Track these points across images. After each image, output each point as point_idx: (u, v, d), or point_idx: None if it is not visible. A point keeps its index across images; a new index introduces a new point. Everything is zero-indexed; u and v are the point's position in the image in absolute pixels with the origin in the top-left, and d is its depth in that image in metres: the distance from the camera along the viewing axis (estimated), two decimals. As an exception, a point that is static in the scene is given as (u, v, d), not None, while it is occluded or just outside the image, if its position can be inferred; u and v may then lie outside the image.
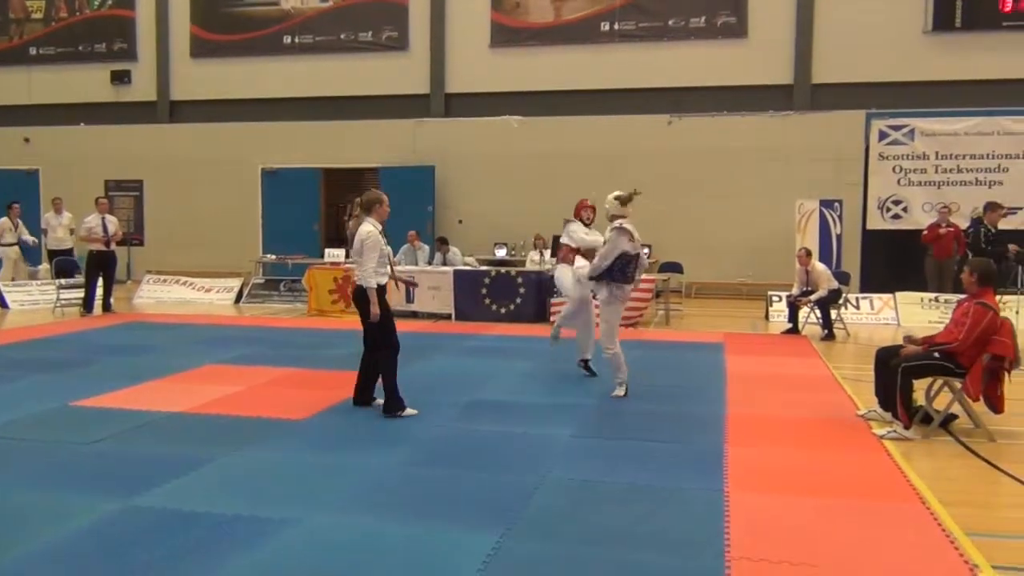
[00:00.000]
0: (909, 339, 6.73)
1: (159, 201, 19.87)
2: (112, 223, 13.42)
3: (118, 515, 4.48)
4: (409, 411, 6.69)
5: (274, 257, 16.81)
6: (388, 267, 6.89)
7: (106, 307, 13.44)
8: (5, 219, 14.65)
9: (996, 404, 6.28)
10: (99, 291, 13.40)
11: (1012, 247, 11.67)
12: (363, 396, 6.98)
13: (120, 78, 20.23)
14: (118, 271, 14.12)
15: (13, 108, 20.63)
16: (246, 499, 4.76)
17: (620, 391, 7.50)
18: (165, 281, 16.27)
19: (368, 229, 6.65)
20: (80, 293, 13.63)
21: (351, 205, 18.81)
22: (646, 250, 16.47)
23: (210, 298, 15.58)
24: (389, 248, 7.07)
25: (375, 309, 6.59)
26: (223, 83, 19.64)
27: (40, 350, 9.94)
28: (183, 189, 19.48)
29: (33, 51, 20.76)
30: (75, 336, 11.10)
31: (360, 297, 6.70)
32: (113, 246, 13.39)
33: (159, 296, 15.79)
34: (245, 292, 15.56)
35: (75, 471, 5.29)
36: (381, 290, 6.70)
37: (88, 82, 20.32)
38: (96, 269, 13.21)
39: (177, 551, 4.02)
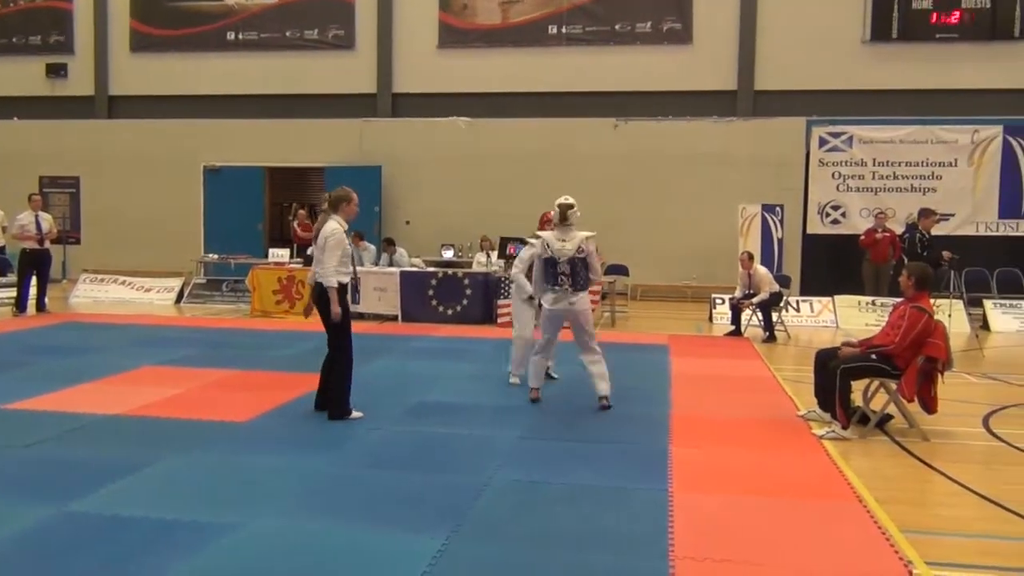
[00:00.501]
0: (847, 344, 6.89)
1: (97, 199, 19.36)
2: (46, 220, 13.03)
3: (53, 521, 4.36)
4: (356, 414, 6.58)
5: (216, 257, 16.51)
6: (351, 267, 6.68)
7: (40, 307, 13.05)
8: None
9: (930, 405, 6.46)
10: (33, 291, 13.01)
11: (946, 254, 12.01)
12: (325, 399, 6.75)
13: (56, 71, 19.68)
14: (53, 270, 13.72)
15: (-57, 101, 19.95)
16: (187, 504, 4.66)
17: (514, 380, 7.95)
18: (103, 280, 15.87)
19: (333, 227, 6.46)
20: (12, 292, 13.22)
21: (295, 205, 18.64)
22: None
23: (150, 298, 15.25)
24: (352, 248, 6.91)
25: (335, 308, 6.43)
26: (164, 78, 19.23)
27: (-30, 351, 9.62)
28: (122, 186, 19.01)
29: (-36, 42, 20.09)
30: (8, 337, 10.76)
31: (321, 296, 6.51)
32: (47, 244, 13.00)
33: (96, 296, 15.40)
34: (186, 292, 15.26)
35: (8, 476, 5.12)
36: (343, 289, 6.52)
37: (22, 75, 19.73)
38: (29, 268, 12.83)
39: (115, 558, 3.92)
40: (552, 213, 7.31)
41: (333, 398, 6.58)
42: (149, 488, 4.94)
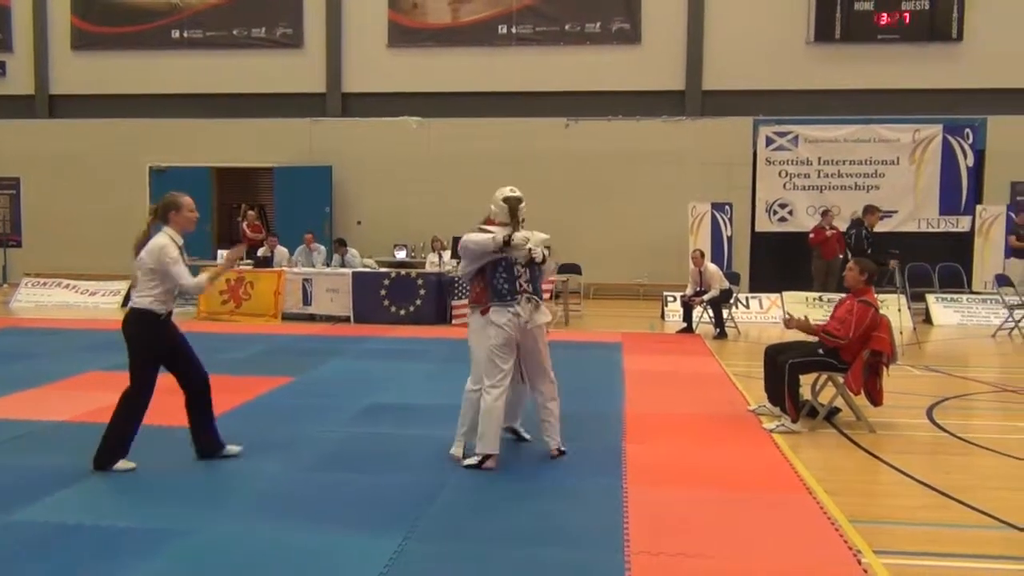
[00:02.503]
0: (790, 320, 6.88)
1: (38, 200, 18.87)
2: None
3: (-5, 531, 4.24)
4: (124, 465, 5.28)
5: (163, 259, 16.16)
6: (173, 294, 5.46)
7: None
8: None
9: (876, 397, 6.61)
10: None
11: (893, 263, 12.16)
12: (206, 442, 5.56)
13: (-6, 70, 19.15)
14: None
15: None
16: (136, 510, 4.57)
17: (456, 450, 5.57)
18: (45, 284, 15.50)
19: (162, 242, 5.31)
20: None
21: (244, 206, 18.36)
22: (545, 251, 16.81)
23: (95, 302, 14.92)
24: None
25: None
26: (107, 77, 18.81)
27: (-95, 358, 9.31)
28: (65, 188, 18.56)
29: None
30: (-56, 343, 10.44)
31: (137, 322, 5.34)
32: None
33: (39, 300, 15.02)
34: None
35: (-54, 486, 4.97)
36: (159, 320, 5.36)
37: (-42, 73, 19.16)
38: None
39: (60, 567, 3.83)
40: (491, 209, 5.62)
41: (106, 443, 5.27)
42: (96, 495, 4.83)
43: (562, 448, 5.64)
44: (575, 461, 5.58)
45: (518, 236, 5.45)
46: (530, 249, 5.49)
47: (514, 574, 3.86)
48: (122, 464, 5.29)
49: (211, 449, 5.55)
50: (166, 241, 5.31)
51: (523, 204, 5.58)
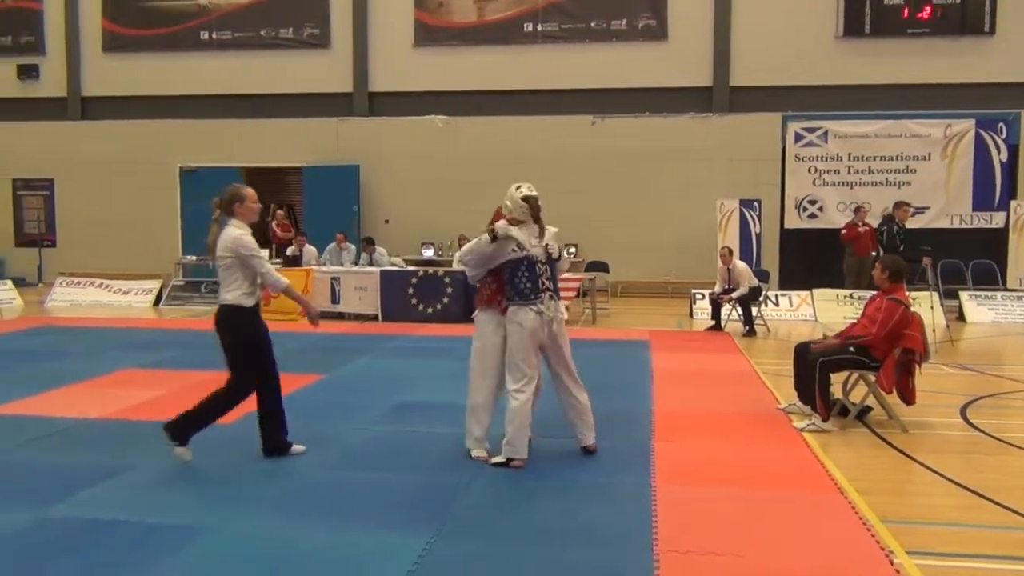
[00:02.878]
0: (818, 344, 6.87)
1: (72, 201, 19.14)
2: None
3: (29, 527, 4.30)
4: (181, 451, 5.40)
5: (195, 258, 16.37)
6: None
7: None
8: None
9: (908, 396, 6.52)
10: None
11: (926, 259, 12.00)
12: (276, 441, 5.63)
13: (28, 72, 19.43)
14: (29, 274, 13.43)
15: (-89, 103, 19.64)
16: (167, 507, 4.63)
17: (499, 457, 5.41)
18: (79, 283, 15.71)
19: (236, 233, 5.38)
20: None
21: (273, 205, 18.51)
22: (572, 250, 16.84)
23: (127, 300, 15.11)
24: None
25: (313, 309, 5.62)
26: (138, 79, 19.03)
27: (-57, 357, 9.49)
28: (98, 188, 18.81)
29: (-68, 44, 19.79)
30: (-19, 342, 10.63)
31: (228, 318, 5.41)
32: None
33: (73, 299, 15.23)
34: (165, 294, 15.13)
35: (-17, 482, 5.06)
36: (251, 313, 5.47)
37: (-7, 77, 19.48)
38: None
39: (93, 563, 3.88)
40: (506, 206, 5.55)
41: (188, 420, 5.43)
42: (127, 492, 4.89)
43: (594, 445, 5.62)
44: (603, 459, 5.56)
45: (500, 225, 5.41)
46: (547, 245, 5.46)
47: (542, 573, 3.85)
48: (181, 451, 5.36)
49: (281, 448, 5.56)
50: (240, 231, 5.36)
51: (537, 199, 5.54)
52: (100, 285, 15.60)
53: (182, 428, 5.38)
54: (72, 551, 4.01)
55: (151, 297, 15.12)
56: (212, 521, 4.38)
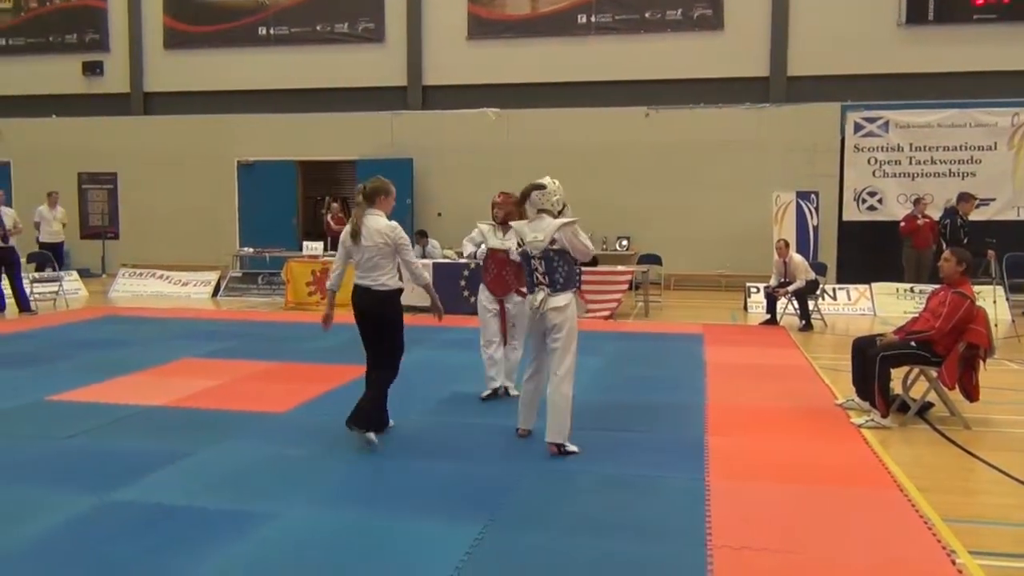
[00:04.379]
0: (882, 339, 6.72)
1: (134, 194, 19.63)
2: (8, 216, 12.49)
3: (95, 510, 4.44)
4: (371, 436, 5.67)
5: (251, 250, 16.69)
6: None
7: (21, 307, 12.34)
8: None
9: (971, 392, 6.35)
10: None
11: (990, 253, 11.72)
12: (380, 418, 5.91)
13: (92, 69, 19.95)
14: (93, 264, 13.78)
15: (-18, 100, 20.33)
16: (226, 493, 4.73)
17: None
18: (141, 275, 16.10)
19: (391, 223, 5.73)
20: (55, 288, 13.47)
21: (328, 198, 18.76)
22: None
23: (187, 292, 15.45)
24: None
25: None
26: (197, 75, 19.42)
27: (15, 344, 9.82)
28: (158, 182, 19.26)
29: (2, 42, 20.40)
30: (50, 330, 10.96)
31: (384, 301, 5.71)
32: (12, 241, 12.46)
33: (135, 290, 15.63)
34: (222, 285, 15.44)
35: (51, 466, 5.22)
36: (399, 295, 5.83)
37: (59, 73, 20.02)
38: None
39: (156, 546, 3.98)
40: (500, 197, 6.61)
41: (368, 409, 5.69)
42: (189, 478, 5.01)
43: (558, 444, 5.44)
44: (656, 453, 5.53)
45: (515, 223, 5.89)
46: (551, 239, 5.52)
47: (594, 565, 3.85)
48: (370, 437, 5.60)
49: (381, 424, 5.85)
50: (393, 222, 5.70)
51: (539, 191, 5.65)
52: (160, 276, 15.96)
53: (366, 417, 5.62)
54: (136, 535, 4.12)
55: (209, 288, 15.42)
56: (271, 507, 4.46)
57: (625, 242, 16.77)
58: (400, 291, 5.79)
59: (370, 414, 5.66)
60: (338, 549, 3.99)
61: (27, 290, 12.76)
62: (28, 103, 20.03)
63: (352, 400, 6.47)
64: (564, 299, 5.56)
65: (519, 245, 5.72)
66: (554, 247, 5.53)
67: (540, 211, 5.63)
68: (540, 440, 5.70)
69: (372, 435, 5.61)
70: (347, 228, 5.75)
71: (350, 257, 5.77)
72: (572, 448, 5.47)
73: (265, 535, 4.14)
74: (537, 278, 5.61)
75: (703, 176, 16.79)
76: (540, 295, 5.56)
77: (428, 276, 6.05)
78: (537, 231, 5.58)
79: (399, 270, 5.79)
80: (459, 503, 4.58)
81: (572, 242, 5.54)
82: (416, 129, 18.05)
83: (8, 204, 13.27)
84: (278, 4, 19.03)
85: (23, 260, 13.19)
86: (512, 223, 5.86)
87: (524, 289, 6.41)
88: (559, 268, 5.58)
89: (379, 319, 5.73)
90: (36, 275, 13.66)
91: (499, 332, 7.09)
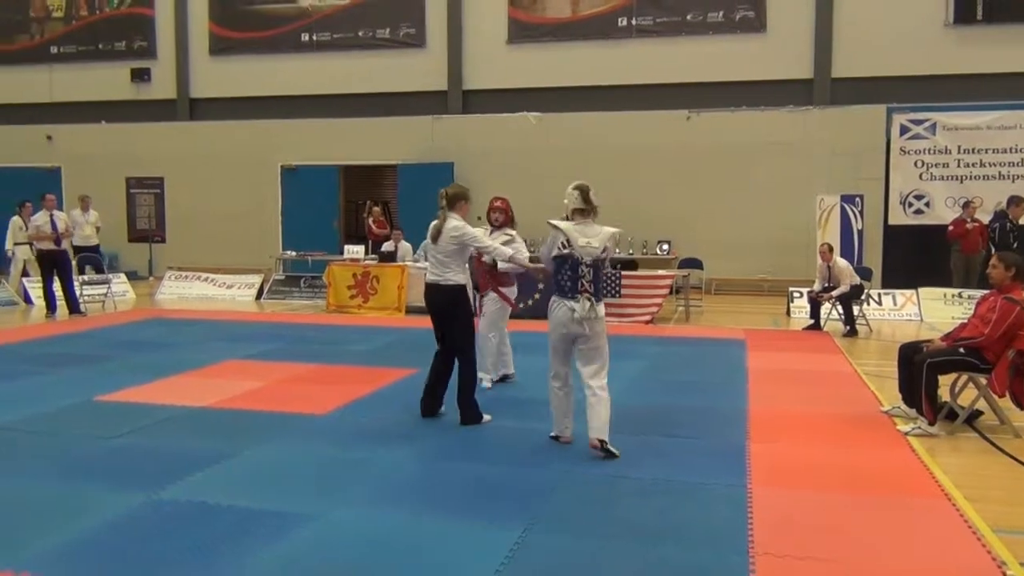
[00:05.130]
0: (930, 344, 6.61)
1: (180, 198, 19.99)
2: (61, 220, 12.85)
3: (142, 508, 4.52)
4: (486, 418, 6.39)
5: (294, 254, 16.89)
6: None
7: (71, 309, 12.69)
8: (17, 218, 14.54)
9: (1022, 400, 6.21)
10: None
11: None
12: (434, 404, 6.54)
13: (140, 76, 20.37)
14: (140, 267, 14.01)
15: (35, 106, 20.83)
16: (269, 493, 4.78)
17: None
18: (187, 277, 16.38)
19: (460, 223, 6.29)
20: (103, 290, 13.75)
21: (370, 202, 18.91)
22: (665, 246, 16.64)
23: (231, 294, 15.68)
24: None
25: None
26: (242, 80, 19.73)
27: (64, 345, 10.04)
28: (204, 186, 19.59)
29: (54, 50, 20.93)
30: (98, 332, 11.20)
31: (454, 296, 6.24)
32: (64, 244, 12.82)
33: (181, 292, 15.90)
34: (266, 288, 15.64)
35: (101, 465, 5.33)
36: (465, 290, 6.37)
37: (108, 80, 20.48)
38: (48, 268, 12.67)
39: (201, 544, 4.05)
40: (500, 203, 7.25)
41: (466, 403, 6.34)
42: (233, 478, 5.08)
43: (602, 440, 5.47)
44: (697, 459, 5.48)
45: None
46: (604, 247, 5.59)
47: (634, 571, 3.83)
48: (486, 418, 6.34)
49: (436, 409, 6.48)
50: (461, 223, 6.28)
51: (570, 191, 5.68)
52: (206, 279, 16.22)
53: (469, 411, 6.29)
54: (182, 533, 4.19)
55: (253, 291, 15.64)
56: (313, 508, 4.51)
57: (666, 246, 16.67)
58: (464, 287, 6.28)
59: (469, 409, 6.31)
60: (378, 550, 4.02)
61: (77, 292, 13.07)
62: (78, 109, 20.52)
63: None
64: (603, 309, 5.63)
65: (562, 248, 5.52)
66: (603, 255, 5.55)
67: (577, 210, 5.58)
68: (581, 444, 5.69)
69: (486, 416, 6.35)
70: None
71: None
72: (614, 450, 5.46)
73: (306, 535, 4.18)
74: (583, 285, 5.49)
75: (745, 179, 16.63)
76: (587, 304, 5.48)
77: (506, 251, 6.56)
78: (590, 236, 5.52)
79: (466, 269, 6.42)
80: (500, 506, 4.59)
81: (610, 252, 5.64)
82: (457, 133, 18.13)
83: (59, 208, 13.57)
84: (321, 11, 19.26)
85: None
86: (559, 223, 5.59)
87: (504, 290, 7.30)
88: (602, 278, 5.66)
89: (440, 312, 6.32)
90: (86, 278, 13.93)
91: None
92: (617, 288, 12.56)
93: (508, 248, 6.71)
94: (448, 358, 6.39)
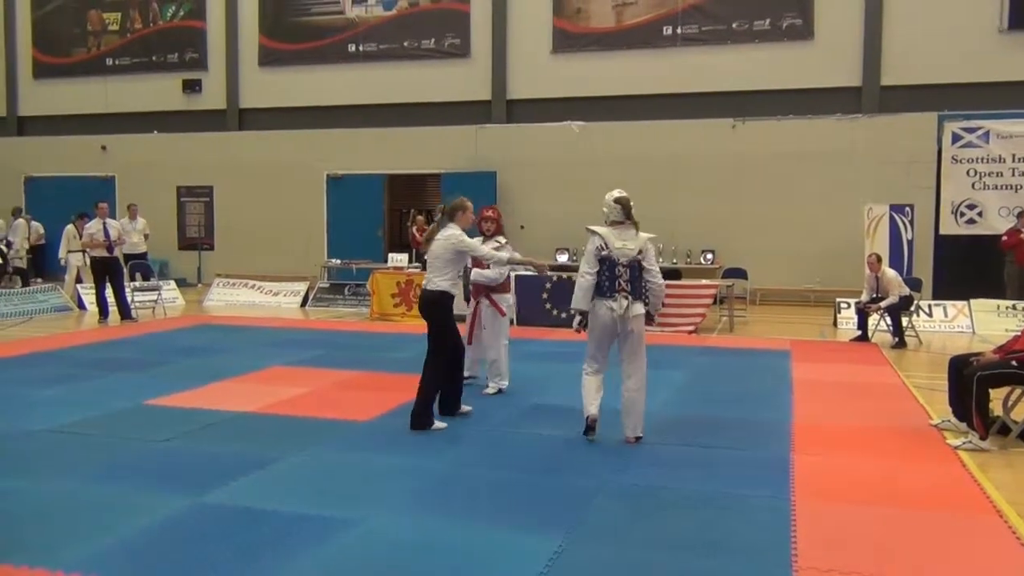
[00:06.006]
0: (979, 359, 6.46)
1: (228, 206, 20.34)
2: (114, 228, 13.14)
3: (187, 511, 4.60)
4: (438, 425, 6.44)
5: (339, 262, 17.07)
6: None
7: (123, 315, 13.00)
8: (71, 227, 14.92)
9: (1078, 415, 6.04)
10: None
11: None
12: (452, 407, 6.76)
13: (191, 87, 20.80)
14: (189, 275, 14.25)
15: (91, 117, 21.39)
16: (312, 498, 4.84)
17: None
18: (234, 285, 16.65)
19: (453, 232, 6.47)
20: (153, 296, 14.03)
21: (413, 211, 19.05)
22: (709, 256, 16.50)
23: (277, 301, 15.89)
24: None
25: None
26: (290, 91, 20.05)
27: (116, 350, 10.26)
28: (251, 195, 19.92)
29: (109, 62, 21.49)
30: (148, 337, 11.43)
31: (435, 302, 6.44)
32: (116, 252, 13.13)
33: (228, 299, 16.16)
34: (311, 296, 15.82)
35: (148, 468, 5.43)
36: (451, 300, 6.51)
37: (161, 91, 20.95)
38: (101, 276, 12.96)
39: (245, 548, 4.10)
40: (492, 212, 7.75)
41: (417, 404, 6.42)
42: (276, 482, 5.15)
43: (638, 435, 6.04)
44: (740, 470, 5.42)
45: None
46: (639, 249, 6.01)
47: (675, 582, 3.80)
48: (437, 425, 6.39)
49: (453, 408, 6.71)
50: (456, 232, 6.47)
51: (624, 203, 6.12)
52: (252, 286, 16.46)
53: (419, 417, 6.37)
54: (225, 536, 4.26)
55: (299, 298, 15.83)
56: (354, 513, 4.55)
57: (710, 255, 16.52)
58: (448, 294, 6.43)
59: (415, 416, 6.37)
60: (418, 556, 4.04)
61: (129, 298, 13.36)
62: (132, 120, 21.02)
63: (433, 410, 6.57)
64: (641, 307, 5.99)
65: (600, 250, 5.93)
66: (640, 257, 5.93)
67: (616, 222, 6.01)
68: (622, 454, 5.67)
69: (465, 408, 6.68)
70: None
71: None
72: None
73: (347, 541, 4.21)
74: (620, 284, 5.91)
75: (791, 188, 16.44)
76: (624, 302, 5.90)
77: (503, 256, 6.81)
78: (626, 239, 5.95)
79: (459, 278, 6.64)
80: (539, 515, 4.58)
81: (648, 258, 5.99)
82: (500, 142, 18.20)
83: (112, 216, 13.90)
84: (367, 22, 19.49)
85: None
86: (596, 228, 6.06)
87: (494, 296, 7.76)
88: (639, 278, 5.97)
89: (427, 316, 6.53)
90: (137, 284, 14.24)
91: (467, 330, 7.83)
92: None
93: (503, 252, 7.03)
94: (448, 359, 6.54)
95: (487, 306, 7.87)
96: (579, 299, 6.03)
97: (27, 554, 3.99)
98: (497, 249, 7.50)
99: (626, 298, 5.91)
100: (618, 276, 5.91)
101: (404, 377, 8.53)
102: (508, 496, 4.92)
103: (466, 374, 7.95)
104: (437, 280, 6.43)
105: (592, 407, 6.14)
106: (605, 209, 6.08)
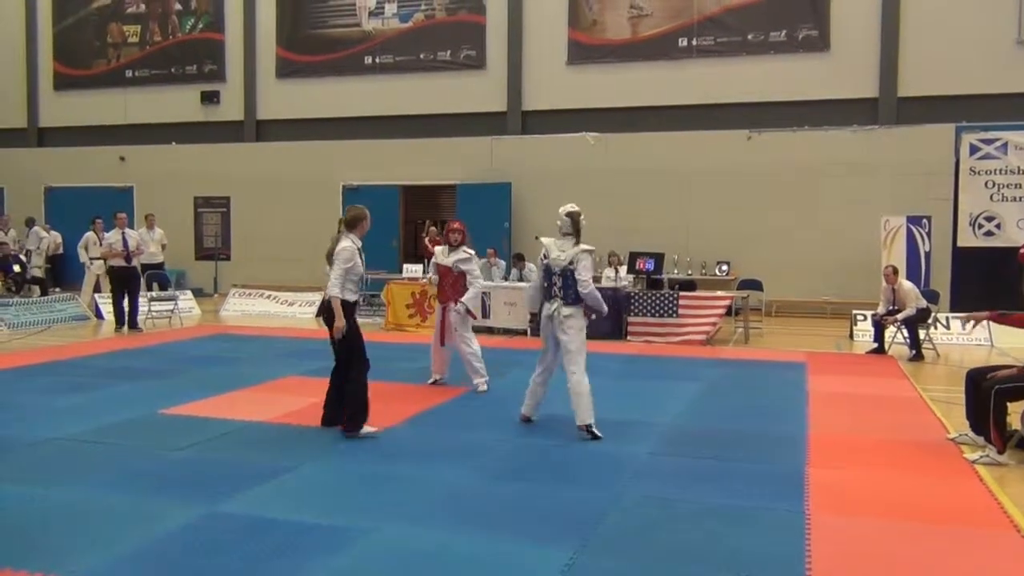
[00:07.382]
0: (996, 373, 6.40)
1: (245, 217, 20.46)
2: (132, 238, 13.29)
3: (201, 520, 4.62)
4: (368, 430, 6.54)
5: (353, 273, 17.08)
6: (359, 285, 6.93)
7: (131, 325, 13.11)
8: (90, 233, 15.06)
9: (1098, 430, 5.97)
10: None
11: None
12: (334, 414, 6.74)
13: (210, 98, 20.97)
14: (206, 284, 14.30)
15: (110, 128, 21.58)
16: (325, 508, 4.85)
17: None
18: (250, 295, 16.73)
19: (345, 244, 6.68)
20: (170, 306, 14.11)
21: (428, 222, 19.09)
22: (724, 267, 16.45)
23: (293, 311, 15.96)
24: (480, 262, 7.11)
25: (339, 322, 6.46)
26: (307, 103, 20.17)
27: (132, 360, 10.33)
28: (268, 205, 20.03)
29: (129, 73, 21.69)
30: (164, 347, 11.50)
31: (329, 310, 6.57)
32: (135, 262, 13.27)
33: (244, 309, 16.24)
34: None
35: (163, 477, 5.46)
36: (350, 306, 6.60)
37: (180, 102, 21.13)
38: (119, 285, 13.09)
39: (258, 557, 4.11)
40: (459, 224, 8.46)
41: (350, 411, 6.52)
42: (290, 492, 5.16)
43: (587, 423, 6.50)
44: (754, 484, 5.39)
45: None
46: (569, 258, 6.66)
47: (688, 595, 3.78)
48: (368, 429, 6.50)
49: (336, 420, 6.66)
50: (348, 243, 6.68)
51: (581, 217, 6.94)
52: (268, 296, 16.55)
53: (350, 420, 6.51)
54: (239, 545, 4.27)
55: (314, 308, 15.84)
56: (366, 524, 4.55)
57: (725, 267, 16.48)
58: (344, 303, 6.55)
59: (347, 420, 6.53)
60: (430, 567, 4.03)
61: (144, 308, 13.50)
62: (150, 131, 21.21)
63: (448, 421, 6.56)
64: (573, 310, 6.61)
65: (543, 259, 6.71)
66: (571, 267, 6.57)
67: (565, 234, 6.70)
68: (635, 465, 5.65)
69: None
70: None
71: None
72: (598, 433, 6.44)
73: (361, 550, 4.22)
74: (555, 291, 6.67)
75: (807, 200, 16.38)
76: (556, 304, 6.63)
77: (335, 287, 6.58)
78: (564, 250, 6.65)
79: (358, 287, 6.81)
80: (551, 526, 4.57)
81: (578, 268, 6.54)
82: (515, 154, 18.23)
83: (131, 227, 14.01)
84: (384, 34, 19.61)
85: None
86: (543, 239, 6.85)
87: (463, 299, 8.35)
88: (572, 285, 6.59)
89: (324, 322, 6.81)
90: (153, 294, 14.34)
91: (439, 333, 8.61)
92: (674, 308, 12.49)
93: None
94: (340, 369, 6.75)
95: (453, 309, 8.44)
96: (526, 300, 7.05)
97: (40, 561, 4.02)
98: (466, 260, 8.47)
99: (558, 302, 6.60)
100: (553, 283, 6.67)
101: (418, 388, 8.56)
102: (520, 507, 4.91)
103: (436, 377, 8.74)
104: (332, 290, 6.54)
105: (524, 407, 6.95)
106: (558, 221, 6.78)
